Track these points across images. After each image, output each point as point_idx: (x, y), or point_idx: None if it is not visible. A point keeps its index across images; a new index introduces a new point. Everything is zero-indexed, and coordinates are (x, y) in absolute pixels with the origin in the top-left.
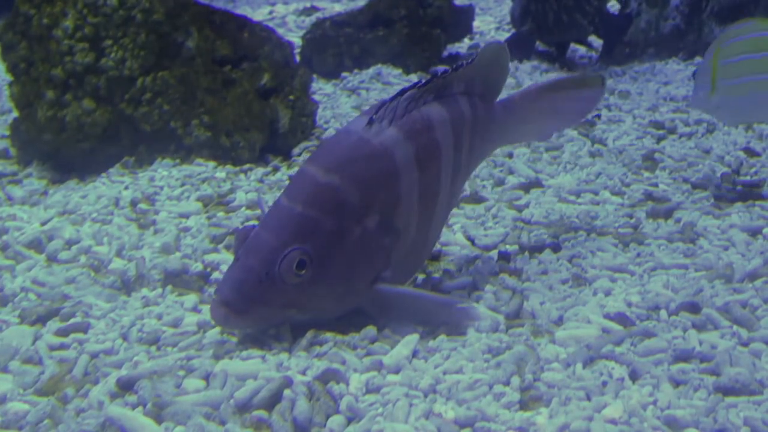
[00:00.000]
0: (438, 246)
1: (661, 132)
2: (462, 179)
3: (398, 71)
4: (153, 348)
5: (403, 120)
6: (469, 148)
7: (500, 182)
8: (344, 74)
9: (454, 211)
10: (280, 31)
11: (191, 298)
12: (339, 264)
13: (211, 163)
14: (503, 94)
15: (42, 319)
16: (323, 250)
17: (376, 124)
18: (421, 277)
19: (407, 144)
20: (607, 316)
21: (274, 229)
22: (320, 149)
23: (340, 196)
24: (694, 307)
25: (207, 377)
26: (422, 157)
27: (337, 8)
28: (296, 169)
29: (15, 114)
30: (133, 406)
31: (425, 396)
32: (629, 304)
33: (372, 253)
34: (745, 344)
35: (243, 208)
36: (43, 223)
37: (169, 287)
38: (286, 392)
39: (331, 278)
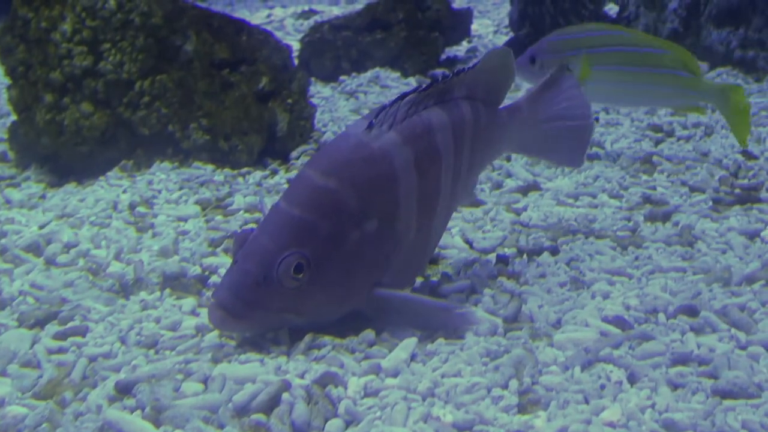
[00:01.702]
0: (436, 249)
1: (659, 135)
2: (463, 184)
3: (396, 74)
4: (151, 351)
5: (403, 124)
6: (470, 153)
7: (498, 185)
8: (342, 77)
9: (453, 214)
10: (279, 34)
11: (189, 302)
12: (337, 268)
13: (210, 167)
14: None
15: (40, 323)
16: (321, 254)
17: (375, 128)
18: (419, 280)
19: (406, 148)
20: (605, 320)
21: (271, 232)
22: (319, 153)
23: (338, 200)
24: (692, 311)
25: (205, 381)
26: (422, 162)
27: (335, 11)
28: (294, 172)
29: (13, 117)
30: (132, 410)
31: (423, 399)
32: (627, 308)
33: (370, 258)
34: (743, 347)
35: (241, 212)
36: (42, 227)
37: (168, 291)
38: (285, 396)
39: (329, 282)
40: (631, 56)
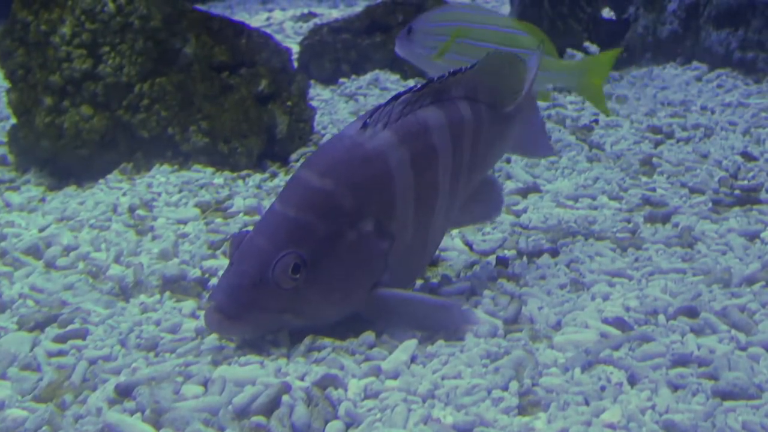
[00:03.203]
0: (436, 251)
1: (659, 137)
2: (465, 184)
3: (396, 77)
4: (151, 354)
5: (398, 124)
6: (471, 153)
7: None
8: (342, 80)
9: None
10: (278, 37)
11: (189, 304)
12: (334, 268)
13: (209, 169)
14: None
15: (40, 326)
16: (317, 254)
17: (370, 128)
18: (419, 282)
19: (402, 147)
20: (605, 321)
21: (267, 233)
22: (314, 154)
23: (334, 200)
24: (692, 312)
25: (205, 383)
26: (418, 161)
27: (335, 14)
28: None
29: (13, 120)
30: (132, 413)
31: (424, 401)
32: (627, 309)
33: (368, 258)
34: (743, 348)
35: (241, 214)
36: (41, 230)
37: (168, 293)
38: (285, 398)
39: (326, 282)
40: (495, 35)
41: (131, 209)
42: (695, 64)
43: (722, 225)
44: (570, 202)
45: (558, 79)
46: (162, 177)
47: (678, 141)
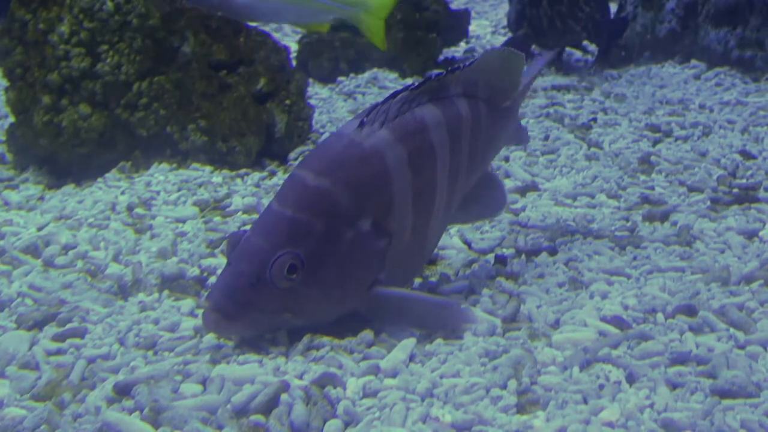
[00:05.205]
0: (435, 250)
1: (657, 135)
2: (464, 182)
3: (394, 75)
4: (150, 353)
5: (395, 122)
6: (470, 151)
7: None
8: (340, 78)
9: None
10: (276, 35)
11: (188, 303)
12: (331, 267)
13: (208, 168)
14: None
15: (39, 324)
16: (315, 253)
17: (367, 127)
18: (417, 281)
19: (399, 146)
20: (603, 320)
21: (264, 233)
22: (311, 153)
23: (331, 200)
24: (690, 310)
25: (204, 382)
26: (416, 159)
27: None
28: None
29: (11, 119)
30: (130, 411)
31: (422, 400)
32: (626, 307)
33: (365, 257)
34: (742, 347)
35: (239, 213)
36: (40, 228)
37: (166, 292)
38: (283, 397)
39: (324, 282)
40: None
41: (130, 208)
42: (694, 62)
43: (721, 223)
44: (568, 201)
45: (340, 12)
46: (160, 176)
47: (676, 139)
